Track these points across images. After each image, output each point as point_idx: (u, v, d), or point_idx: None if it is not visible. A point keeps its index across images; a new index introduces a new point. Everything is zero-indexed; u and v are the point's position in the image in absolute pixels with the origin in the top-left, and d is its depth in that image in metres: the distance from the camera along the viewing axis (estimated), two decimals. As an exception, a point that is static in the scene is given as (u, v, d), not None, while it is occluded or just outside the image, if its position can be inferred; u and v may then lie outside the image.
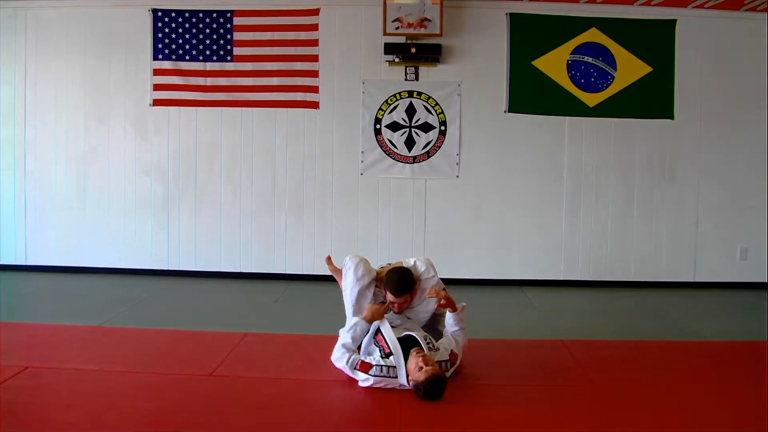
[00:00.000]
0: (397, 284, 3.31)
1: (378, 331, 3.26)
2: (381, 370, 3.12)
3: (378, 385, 3.12)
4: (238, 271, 6.25)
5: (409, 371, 3.07)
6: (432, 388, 2.97)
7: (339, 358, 3.21)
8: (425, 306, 3.45)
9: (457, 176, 6.16)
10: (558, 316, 5.12)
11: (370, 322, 3.27)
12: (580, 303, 5.63)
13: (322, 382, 3.24)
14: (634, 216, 6.19)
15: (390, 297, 3.34)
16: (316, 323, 3.87)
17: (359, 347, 3.40)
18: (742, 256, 6.18)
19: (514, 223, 6.18)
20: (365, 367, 3.14)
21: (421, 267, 3.43)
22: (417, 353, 3.08)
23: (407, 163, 6.15)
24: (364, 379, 3.14)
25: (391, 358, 3.13)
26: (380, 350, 3.19)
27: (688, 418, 2.89)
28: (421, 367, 2.99)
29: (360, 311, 3.39)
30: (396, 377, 3.11)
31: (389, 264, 3.60)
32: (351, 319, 3.29)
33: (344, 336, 3.25)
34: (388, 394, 3.08)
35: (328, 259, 3.86)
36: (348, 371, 3.17)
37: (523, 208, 6.18)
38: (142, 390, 3.09)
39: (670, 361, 3.69)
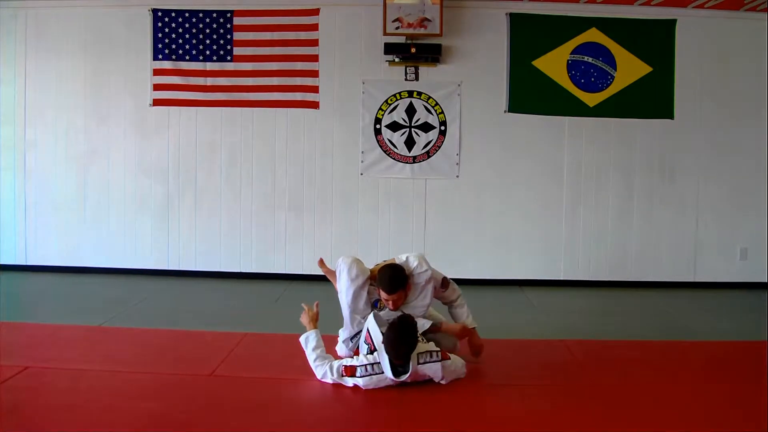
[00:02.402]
0: (389, 282, 3.31)
1: (367, 330, 3.28)
2: (366, 369, 3.12)
3: (371, 386, 3.11)
4: (238, 271, 6.25)
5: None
6: (398, 321, 3.07)
7: (324, 374, 3.18)
8: (421, 301, 3.44)
9: (457, 176, 6.16)
10: (558, 316, 5.12)
11: (315, 327, 3.33)
12: (580, 303, 5.63)
13: (322, 382, 3.23)
14: (634, 216, 6.19)
15: (383, 295, 3.34)
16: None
17: (357, 348, 3.41)
18: (742, 256, 6.19)
19: (514, 222, 6.18)
20: (350, 371, 3.14)
21: (414, 262, 3.43)
22: None
23: (407, 163, 6.15)
24: (354, 383, 3.14)
25: (375, 354, 3.15)
26: (367, 348, 3.22)
27: (688, 418, 2.89)
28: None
29: (356, 311, 3.40)
30: (382, 372, 3.11)
31: (384, 261, 3.60)
32: (301, 339, 3.31)
33: (309, 355, 3.26)
34: (388, 394, 3.08)
35: (321, 261, 3.85)
36: (339, 381, 3.15)
37: (523, 208, 6.18)
38: (142, 390, 3.09)
39: (670, 361, 3.69)
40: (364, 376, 3.12)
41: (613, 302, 5.66)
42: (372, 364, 3.13)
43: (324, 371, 3.18)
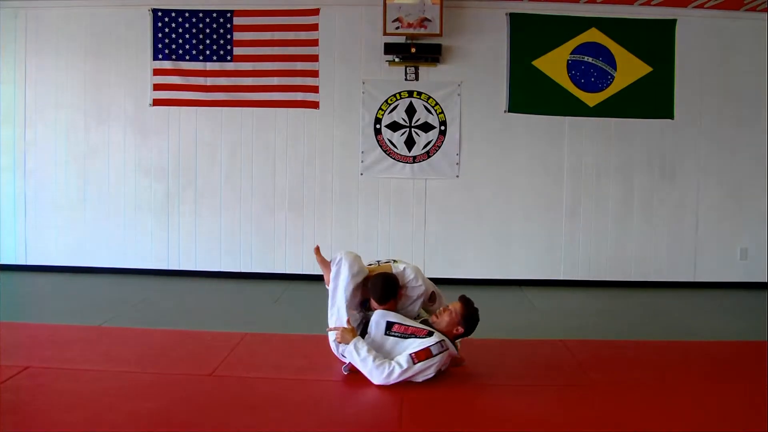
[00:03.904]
0: (381, 292, 3.32)
1: (391, 324, 3.25)
2: (442, 346, 3.18)
3: (439, 365, 3.18)
4: (238, 271, 6.25)
5: (439, 326, 3.28)
6: (470, 300, 3.38)
7: (390, 373, 3.11)
8: (410, 309, 3.47)
9: (457, 176, 6.16)
10: (558, 316, 5.12)
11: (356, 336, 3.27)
12: (580, 303, 5.63)
13: (322, 382, 3.24)
14: (634, 216, 6.19)
15: (374, 304, 3.34)
16: (316, 323, 3.86)
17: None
18: (742, 256, 6.19)
19: (514, 223, 6.18)
20: (425, 354, 3.13)
21: (410, 275, 3.43)
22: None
23: (407, 163, 6.15)
24: (426, 368, 3.14)
25: (435, 335, 3.20)
26: (414, 336, 3.20)
27: (688, 418, 2.89)
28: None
29: (352, 306, 3.37)
30: (448, 349, 3.22)
31: (378, 262, 3.57)
32: (352, 345, 3.19)
33: (365, 359, 3.15)
34: (388, 394, 3.08)
35: (317, 249, 3.63)
36: (408, 374, 3.11)
37: (523, 208, 6.18)
38: (142, 390, 3.09)
39: (670, 361, 3.69)
40: (440, 353, 3.16)
41: (613, 302, 5.66)
42: (441, 341, 3.19)
43: (388, 370, 3.11)
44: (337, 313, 3.35)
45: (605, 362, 3.63)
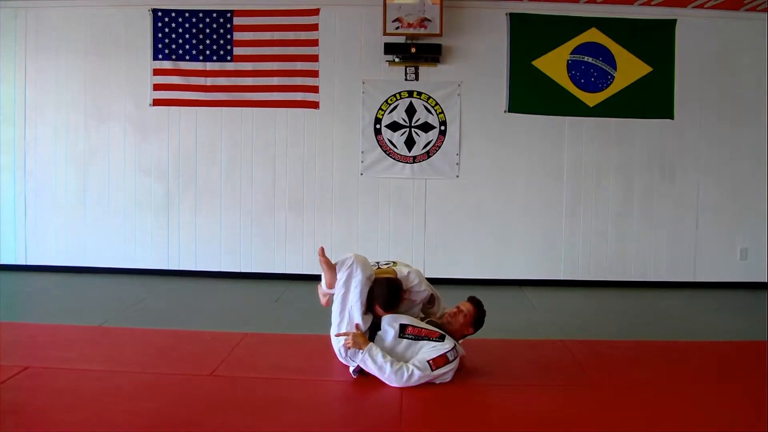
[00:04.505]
0: (387, 298, 3.31)
1: (404, 327, 3.26)
2: (456, 351, 3.24)
3: (453, 372, 3.22)
4: (238, 271, 6.25)
5: (452, 327, 3.37)
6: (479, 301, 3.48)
7: (409, 377, 3.12)
8: (412, 312, 3.49)
9: (457, 176, 6.16)
10: (558, 316, 5.12)
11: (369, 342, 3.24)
12: (580, 303, 5.63)
13: (322, 382, 3.24)
14: (634, 216, 6.19)
15: (378, 310, 3.34)
16: (316, 323, 3.86)
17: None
18: (742, 256, 6.19)
19: (514, 223, 6.18)
20: (442, 361, 3.17)
21: (414, 280, 3.45)
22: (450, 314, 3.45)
23: (407, 163, 6.15)
24: (444, 373, 3.18)
25: (446, 339, 3.25)
26: (427, 338, 3.24)
27: (688, 418, 2.89)
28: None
29: (363, 311, 3.36)
30: (459, 354, 3.28)
31: (377, 264, 3.55)
32: (366, 352, 3.17)
33: (383, 366, 3.15)
34: (388, 394, 3.08)
35: (322, 251, 3.48)
36: (427, 379, 3.15)
37: (523, 208, 6.18)
38: (142, 390, 3.09)
39: (670, 361, 3.69)
40: (455, 358, 3.22)
41: (613, 302, 5.66)
42: (454, 347, 3.24)
43: (407, 374, 3.13)
44: (348, 317, 3.29)
45: (605, 362, 3.63)
